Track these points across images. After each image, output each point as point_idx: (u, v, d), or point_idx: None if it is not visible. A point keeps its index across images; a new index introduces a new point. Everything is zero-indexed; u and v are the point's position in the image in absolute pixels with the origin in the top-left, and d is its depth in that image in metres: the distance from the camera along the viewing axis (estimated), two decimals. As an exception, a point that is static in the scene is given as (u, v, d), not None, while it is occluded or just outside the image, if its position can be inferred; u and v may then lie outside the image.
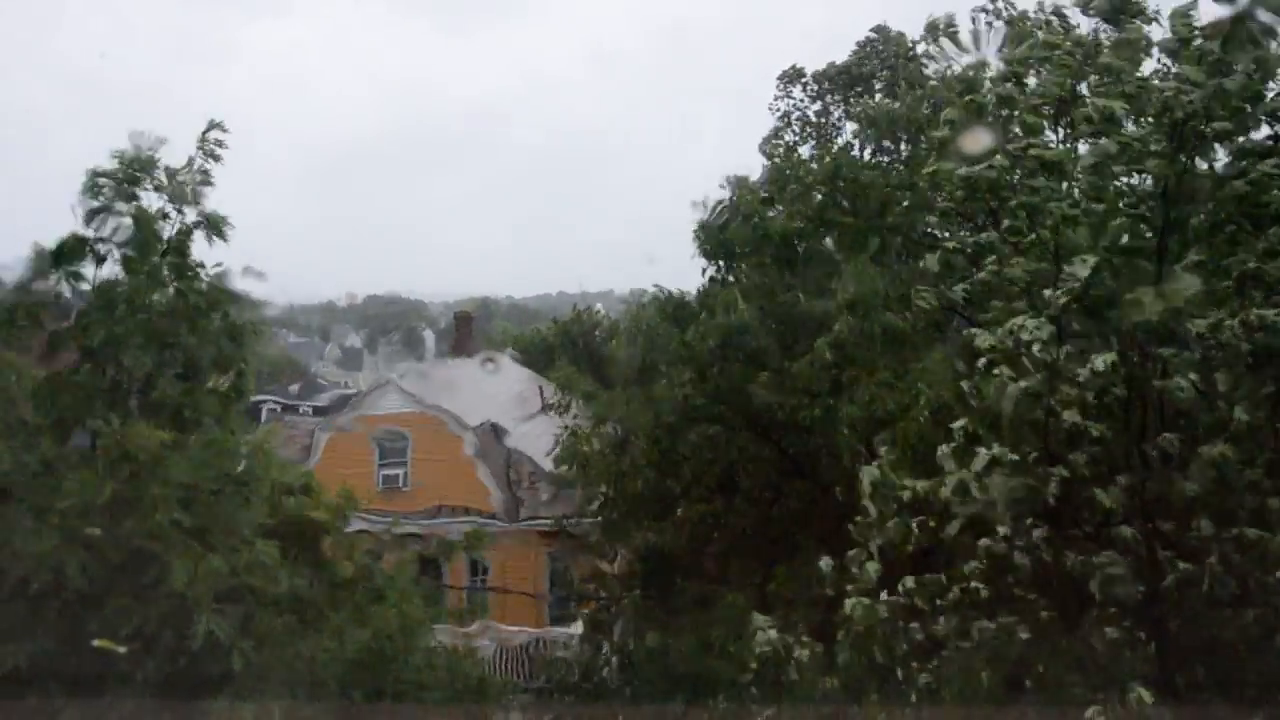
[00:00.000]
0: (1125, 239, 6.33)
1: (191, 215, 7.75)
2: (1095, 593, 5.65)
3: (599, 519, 16.03)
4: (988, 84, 7.63)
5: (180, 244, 7.68)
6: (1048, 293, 5.91)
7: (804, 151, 23.40)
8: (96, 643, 5.86)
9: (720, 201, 14.06)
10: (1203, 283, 5.82)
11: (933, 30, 13.17)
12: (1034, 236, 6.64)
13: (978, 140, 7.01)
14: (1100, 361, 5.51)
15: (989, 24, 13.60)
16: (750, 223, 13.01)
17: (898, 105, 14.20)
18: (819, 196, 12.91)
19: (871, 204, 12.44)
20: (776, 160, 15.34)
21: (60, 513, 6.02)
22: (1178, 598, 5.92)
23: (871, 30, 29.04)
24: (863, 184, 12.55)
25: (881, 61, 28.73)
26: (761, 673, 7.85)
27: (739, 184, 14.82)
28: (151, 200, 7.67)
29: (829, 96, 29.76)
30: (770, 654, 7.00)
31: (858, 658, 6.29)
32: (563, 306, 45.99)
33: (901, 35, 28.58)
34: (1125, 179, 6.68)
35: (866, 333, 11.05)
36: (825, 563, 6.81)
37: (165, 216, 7.66)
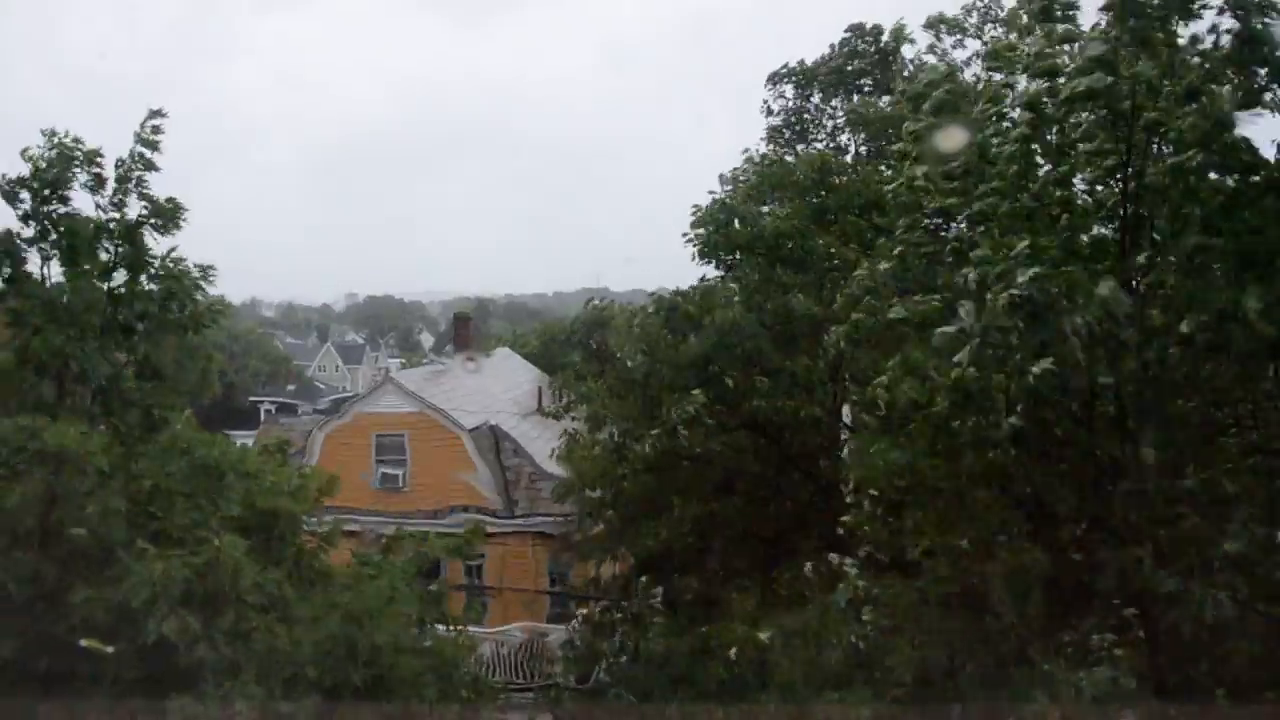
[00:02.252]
0: (1084, 237, 6.35)
1: (138, 207, 7.60)
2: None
3: (599, 522, 16.00)
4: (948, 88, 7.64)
5: (130, 237, 7.53)
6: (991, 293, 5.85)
7: (790, 154, 23.44)
8: (84, 642, 5.79)
9: (716, 200, 14.03)
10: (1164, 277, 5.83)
11: (933, 26, 13.20)
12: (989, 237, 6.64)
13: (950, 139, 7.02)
14: (1038, 367, 5.53)
15: (980, 22, 13.55)
16: (745, 225, 12.95)
17: (886, 104, 14.16)
18: (809, 200, 12.86)
19: (860, 203, 12.42)
20: (764, 163, 15.26)
21: None
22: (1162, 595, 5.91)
23: (847, 30, 29.17)
24: (849, 184, 12.53)
25: (861, 59, 28.81)
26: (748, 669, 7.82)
27: (733, 183, 14.80)
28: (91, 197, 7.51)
29: (817, 95, 29.84)
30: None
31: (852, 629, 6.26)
32: (561, 306, 45.95)
33: (879, 28, 28.71)
34: (1085, 175, 6.69)
35: (874, 327, 10.97)
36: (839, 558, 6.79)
37: (113, 214, 7.49)
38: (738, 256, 13.37)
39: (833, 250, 12.65)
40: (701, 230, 13.33)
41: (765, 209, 13.99)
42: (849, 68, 28.97)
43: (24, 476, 5.95)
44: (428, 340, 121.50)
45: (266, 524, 7.49)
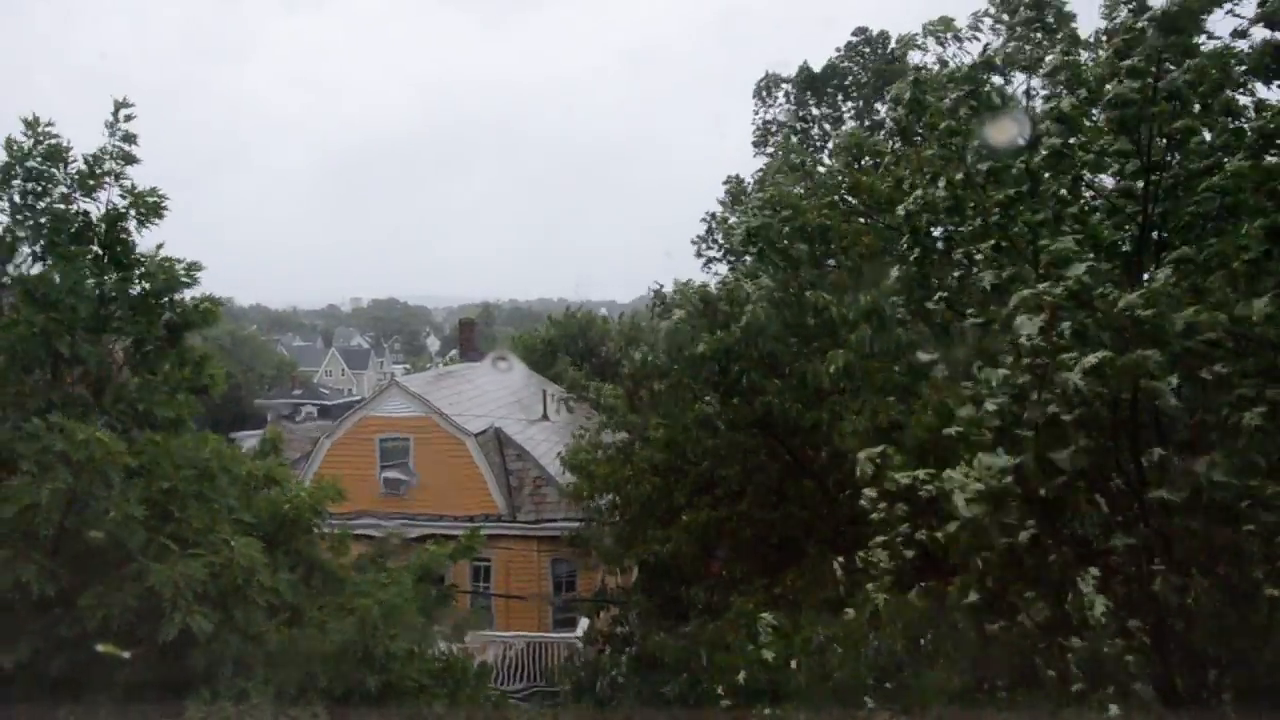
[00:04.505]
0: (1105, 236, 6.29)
1: (123, 200, 7.54)
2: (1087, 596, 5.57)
3: (605, 526, 15.93)
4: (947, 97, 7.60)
5: (111, 229, 7.48)
6: (1042, 286, 5.84)
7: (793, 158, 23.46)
8: (100, 647, 5.75)
9: (746, 191, 13.85)
10: (1185, 279, 5.76)
11: (934, 32, 13.05)
12: (1006, 243, 6.59)
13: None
14: (1090, 359, 5.43)
15: (994, 27, 13.38)
16: (781, 217, 12.75)
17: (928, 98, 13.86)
18: (836, 194, 12.68)
19: (880, 199, 12.26)
20: (785, 158, 15.15)
21: (9, 522, 5.84)
22: (1174, 601, 5.84)
23: (853, 34, 29.51)
24: (871, 180, 12.36)
25: (863, 63, 29.06)
26: (760, 678, 7.74)
27: (769, 177, 14.65)
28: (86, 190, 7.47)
29: (810, 102, 30.10)
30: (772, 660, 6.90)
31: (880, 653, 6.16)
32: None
33: (885, 34, 28.95)
34: (1097, 176, 6.64)
35: (881, 346, 10.85)
36: (837, 564, 6.69)
37: (87, 206, 7.45)
38: (763, 250, 13.11)
39: (849, 249, 12.51)
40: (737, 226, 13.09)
41: (800, 190, 13.79)
42: (850, 72, 29.22)
43: (48, 476, 5.89)
44: (433, 345, 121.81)
45: (282, 529, 7.45)
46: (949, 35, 13.71)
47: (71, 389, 7.02)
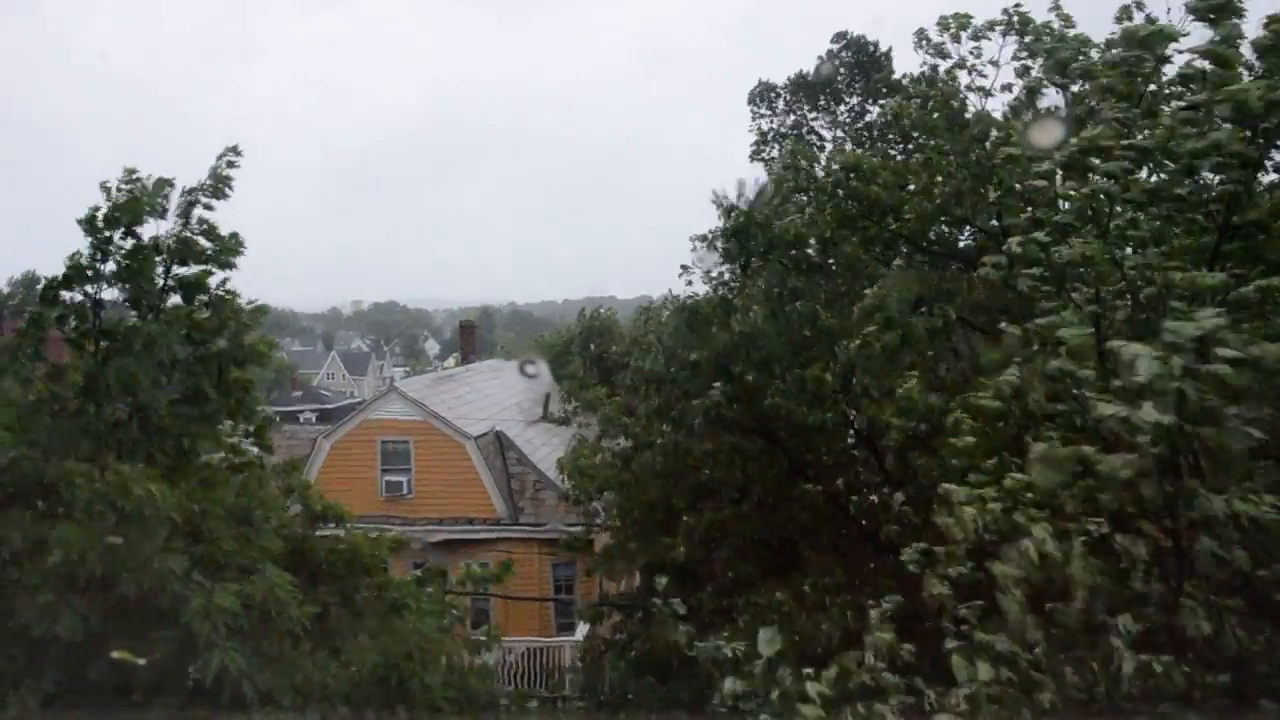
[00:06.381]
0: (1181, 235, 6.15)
1: (200, 239, 7.61)
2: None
3: (605, 529, 15.85)
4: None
5: (186, 262, 7.53)
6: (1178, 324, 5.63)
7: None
8: (115, 654, 5.70)
9: (740, 198, 13.80)
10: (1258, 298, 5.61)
11: (945, 27, 12.91)
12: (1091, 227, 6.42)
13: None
14: (1255, 350, 5.20)
15: (1005, 32, 13.27)
16: (767, 227, 12.70)
17: (927, 104, 13.75)
18: (833, 202, 12.59)
19: (883, 207, 12.20)
20: (781, 168, 15.04)
21: (52, 567, 5.80)
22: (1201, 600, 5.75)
23: (832, 41, 29.61)
24: (873, 188, 12.29)
25: (850, 69, 29.14)
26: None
27: (762, 185, 14.60)
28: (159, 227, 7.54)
29: (803, 107, 30.20)
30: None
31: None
32: (568, 314, 45.98)
33: (863, 38, 29.03)
34: (1190, 178, 6.49)
35: (890, 342, 10.72)
36: (911, 552, 6.49)
37: (169, 249, 7.49)
38: (755, 261, 13.08)
39: (858, 256, 12.45)
40: (727, 234, 13.04)
41: (799, 198, 13.72)
42: (836, 77, 29.32)
43: (95, 523, 5.84)
44: (433, 348, 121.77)
45: (339, 567, 7.43)
46: (965, 35, 13.58)
47: (111, 419, 7.00)
